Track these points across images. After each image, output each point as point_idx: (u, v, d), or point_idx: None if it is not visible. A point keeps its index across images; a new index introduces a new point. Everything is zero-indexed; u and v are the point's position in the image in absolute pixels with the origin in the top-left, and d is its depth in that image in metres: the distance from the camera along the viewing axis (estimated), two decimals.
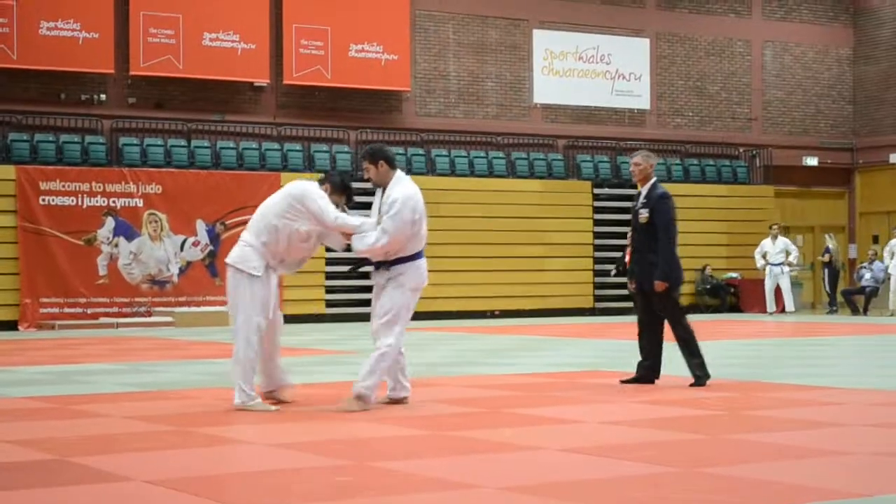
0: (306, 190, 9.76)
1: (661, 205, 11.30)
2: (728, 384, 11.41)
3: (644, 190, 11.45)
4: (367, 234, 9.59)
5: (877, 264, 29.29)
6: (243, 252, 9.68)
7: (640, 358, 11.56)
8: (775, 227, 29.65)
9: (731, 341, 18.70)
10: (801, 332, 21.80)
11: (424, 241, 9.81)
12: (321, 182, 9.92)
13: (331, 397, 10.20)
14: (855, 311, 28.92)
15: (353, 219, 9.78)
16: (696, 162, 32.42)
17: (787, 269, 28.91)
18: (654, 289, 11.20)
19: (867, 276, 29.30)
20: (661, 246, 11.23)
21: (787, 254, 28.98)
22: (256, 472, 6.65)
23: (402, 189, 9.67)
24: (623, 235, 29.91)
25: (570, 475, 6.53)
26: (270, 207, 9.80)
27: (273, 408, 9.61)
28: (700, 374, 11.23)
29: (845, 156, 34.91)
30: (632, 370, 11.70)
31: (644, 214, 11.30)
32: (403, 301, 9.63)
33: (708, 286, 30.61)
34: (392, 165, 9.79)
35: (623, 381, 11.51)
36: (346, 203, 10.02)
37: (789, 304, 28.91)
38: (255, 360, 9.64)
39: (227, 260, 9.78)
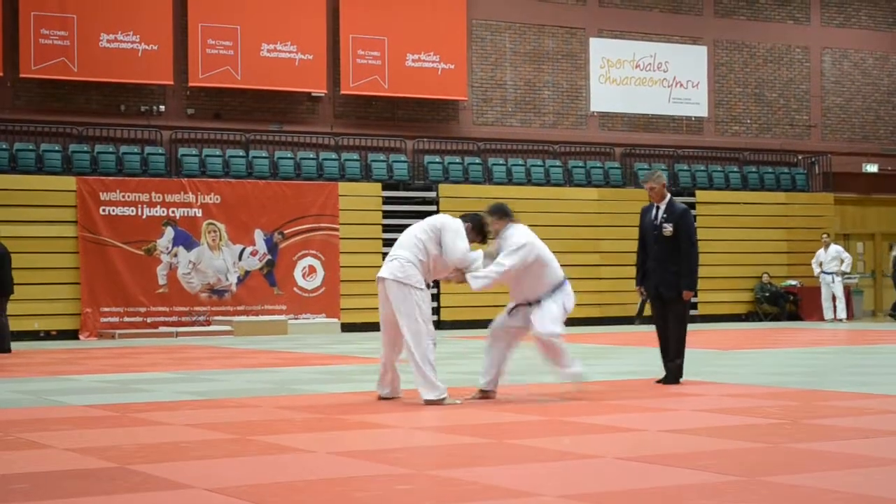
0: (446, 222, 10.79)
1: (685, 219, 12.27)
2: (788, 392, 11.35)
3: (663, 205, 12.34)
4: (481, 272, 10.74)
5: None
6: (404, 267, 10.59)
7: (663, 361, 12.40)
8: (826, 235, 29.49)
9: (790, 349, 18.56)
10: (861, 340, 21.59)
11: (559, 273, 11.06)
12: (463, 219, 10.88)
13: (391, 406, 10.23)
14: None
15: (473, 255, 10.78)
16: (754, 169, 32.24)
17: (838, 277, 28.75)
18: (682, 296, 12.11)
19: None
20: (689, 257, 12.21)
21: (841, 261, 28.81)
22: (316, 481, 6.67)
23: (521, 236, 10.83)
24: None
25: (630, 484, 6.50)
26: (416, 228, 10.80)
27: (458, 401, 10.57)
28: (674, 375, 12.17)
29: None
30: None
31: (668, 228, 12.16)
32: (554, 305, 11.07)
33: (767, 294, 30.41)
34: (509, 217, 11.00)
35: (658, 381, 12.36)
36: (481, 243, 11.10)
37: (841, 311, 28.70)
38: (433, 358, 10.49)
39: (386, 275, 10.61)
